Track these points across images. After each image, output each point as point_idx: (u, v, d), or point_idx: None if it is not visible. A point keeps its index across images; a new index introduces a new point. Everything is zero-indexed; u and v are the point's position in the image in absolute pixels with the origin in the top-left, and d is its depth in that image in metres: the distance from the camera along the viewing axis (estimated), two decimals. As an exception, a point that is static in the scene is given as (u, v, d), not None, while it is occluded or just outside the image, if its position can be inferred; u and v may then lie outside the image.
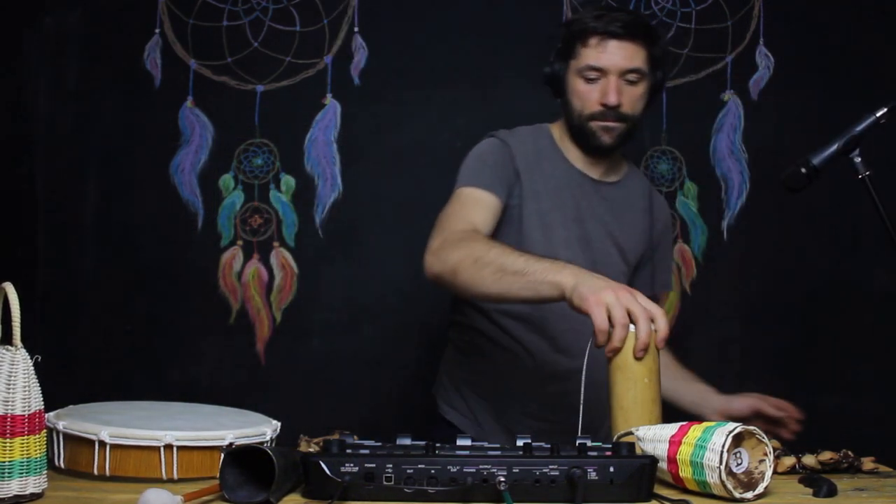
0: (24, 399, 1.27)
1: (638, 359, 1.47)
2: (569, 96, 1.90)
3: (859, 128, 1.59)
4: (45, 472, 1.31)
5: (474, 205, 1.82)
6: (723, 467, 1.33)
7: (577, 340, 1.84)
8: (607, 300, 1.45)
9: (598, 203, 1.95)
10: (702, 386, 1.99)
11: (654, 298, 1.84)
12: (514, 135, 1.96)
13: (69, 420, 1.45)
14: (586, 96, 1.86)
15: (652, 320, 1.47)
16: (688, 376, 2.02)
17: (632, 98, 1.86)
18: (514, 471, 1.30)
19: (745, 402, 1.93)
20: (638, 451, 1.44)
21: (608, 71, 1.84)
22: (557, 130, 1.98)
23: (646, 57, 1.87)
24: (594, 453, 1.35)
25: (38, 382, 1.30)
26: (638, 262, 2.01)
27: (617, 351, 1.48)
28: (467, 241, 1.69)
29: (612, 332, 1.46)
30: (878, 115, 1.59)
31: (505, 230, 1.88)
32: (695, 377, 2.02)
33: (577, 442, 1.38)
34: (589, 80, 1.86)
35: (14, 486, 1.26)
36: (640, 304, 1.47)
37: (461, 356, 2.02)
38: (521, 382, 1.93)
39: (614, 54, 1.84)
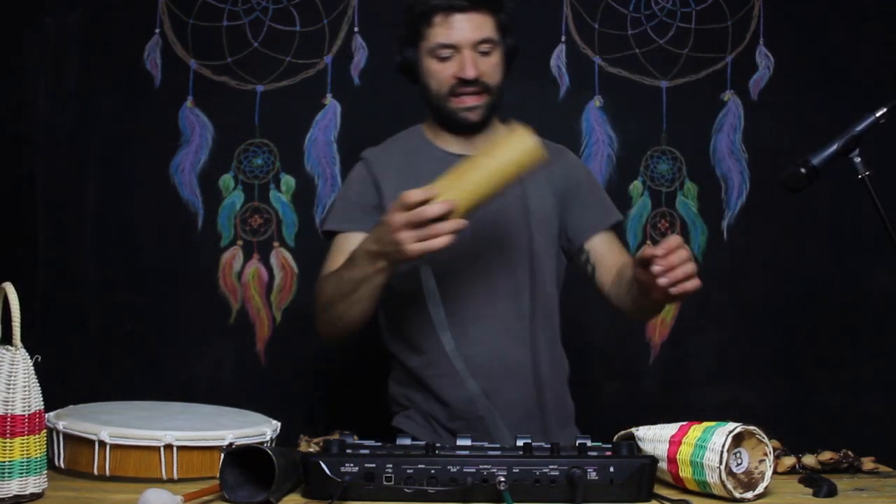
0: (24, 399, 1.27)
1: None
2: (424, 79, 1.85)
3: (859, 128, 1.59)
4: (45, 472, 1.31)
5: (338, 253, 1.84)
6: (723, 467, 1.33)
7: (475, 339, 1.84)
8: (405, 239, 1.53)
9: None
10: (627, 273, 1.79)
11: (600, 242, 1.90)
12: (381, 146, 1.97)
13: (69, 420, 1.45)
14: (441, 74, 1.82)
15: (427, 202, 1.52)
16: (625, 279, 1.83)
17: (489, 67, 1.82)
18: (514, 471, 1.30)
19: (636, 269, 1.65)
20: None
21: (460, 45, 1.79)
22: (428, 125, 1.95)
23: (494, 25, 1.83)
24: (594, 453, 1.35)
25: (38, 382, 1.30)
26: (559, 217, 1.91)
27: (440, 243, 1.53)
28: (316, 298, 1.81)
29: (432, 242, 1.53)
30: (878, 115, 1.59)
31: None
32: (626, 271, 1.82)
33: (577, 442, 1.38)
34: (442, 59, 1.81)
35: (14, 486, 1.26)
36: (401, 219, 1.53)
37: (397, 372, 2.00)
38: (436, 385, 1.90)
39: (462, 28, 1.79)
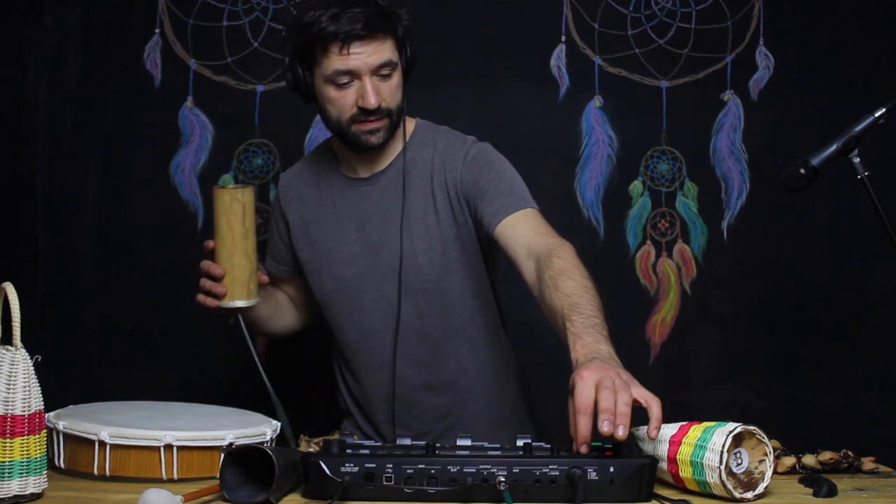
0: (24, 399, 1.27)
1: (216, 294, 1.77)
2: (322, 104, 1.79)
3: (858, 128, 1.60)
4: (45, 472, 1.32)
5: None
6: (723, 467, 1.33)
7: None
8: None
9: (380, 196, 1.88)
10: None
11: (506, 226, 1.74)
12: (296, 167, 2.03)
13: (69, 420, 1.45)
14: (341, 102, 1.76)
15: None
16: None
17: (389, 91, 1.77)
18: (514, 471, 1.30)
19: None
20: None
21: (360, 72, 1.73)
22: (335, 139, 1.91)
23: (393, 45, 1.76)
24: (594, 453, 1.35)
25: (38, 382, 1.30)
26: (471, 212, 1.83)
27: None
28: None
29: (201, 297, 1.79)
30: (877, 115, 1.60)
31: (309, 277, 1.98)
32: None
33: (577, 442, 1.38)
34: (340, 86, 1.74)
35: (14, 486, 1.26)
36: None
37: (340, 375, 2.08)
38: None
39: (361, 54, 1.71)
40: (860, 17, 2.61)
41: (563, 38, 2.60)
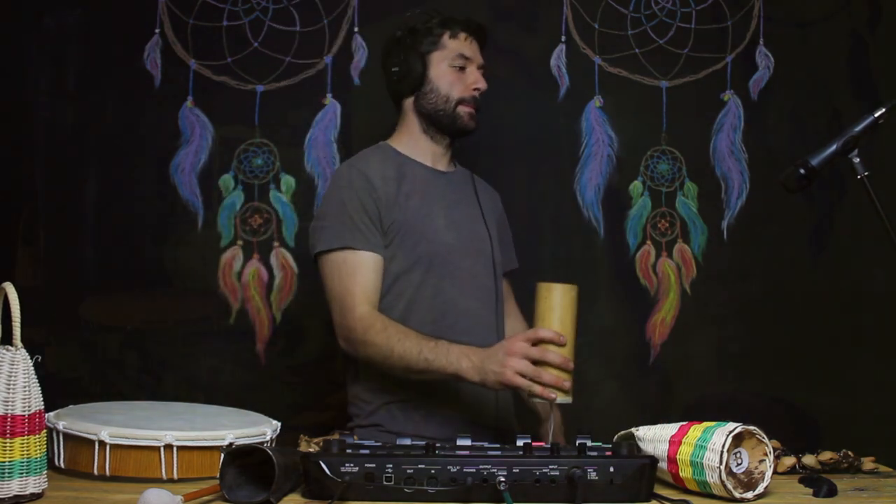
0: (24, 399, 1.28)
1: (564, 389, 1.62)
2: (434, 84, 2.02)
3: (858, 128, 1.59)
4: (45, 472, 1.32)
5: (358, 271, 1.90)
6: (723, 467, 1.33)
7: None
8: (514, 366, 1.63)
9: (452, 191, 2.07)
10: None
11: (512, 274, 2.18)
12: (363, 159, 2.02)
13: (69, 420, 1.46)
14: (457, 82, 2.01)
15: (539, 342, 1.63)
16: None
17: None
18: (514, 471, 1.30)
19: None
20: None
21: (473, 61, 2.04)
22: (399, 142, 2.07)
23: None
24: (594, 453, 1.35)
25: (38, 382, 1.30)
26: (499, 238, 2.12)
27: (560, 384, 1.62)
28: (370, 337, 1.84)
29: (537, 387, 1.62)
30: (877, 115, 1.60)
31: (399, 241, 1.93)
32: None
33: (577, 442, 1.38)
34: (458, 69, 2.02)
35: (14, 486, 1.26)
36: (523, 348, 1.64)
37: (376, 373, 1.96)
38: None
39: (475, 48, 2.05)
40: (860, 18, 2.61)
41: (563, 38, 2.60)
